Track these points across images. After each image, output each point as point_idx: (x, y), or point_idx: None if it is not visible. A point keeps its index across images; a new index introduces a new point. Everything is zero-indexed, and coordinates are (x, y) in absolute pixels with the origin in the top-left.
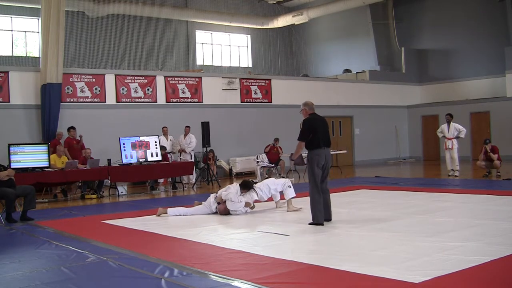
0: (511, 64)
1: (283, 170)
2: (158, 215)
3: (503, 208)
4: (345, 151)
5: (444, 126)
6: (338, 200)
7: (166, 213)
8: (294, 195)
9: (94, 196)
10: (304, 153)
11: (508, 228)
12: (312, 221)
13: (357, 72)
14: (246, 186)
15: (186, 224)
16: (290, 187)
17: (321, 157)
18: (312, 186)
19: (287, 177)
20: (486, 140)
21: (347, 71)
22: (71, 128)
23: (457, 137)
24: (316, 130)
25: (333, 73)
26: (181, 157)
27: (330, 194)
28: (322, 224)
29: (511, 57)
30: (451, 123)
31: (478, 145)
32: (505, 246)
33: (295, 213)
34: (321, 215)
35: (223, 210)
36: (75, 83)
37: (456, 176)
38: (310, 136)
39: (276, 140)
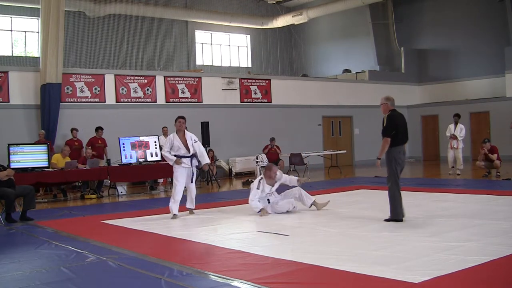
0: (510, 64)
1: (283, 170)
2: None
3: (503, 208)
4: (345, 151)
5: (451, 126)
6: (338, 200)
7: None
8: (312, 198)
9: (93, 196)
10: (305, 154)
11: (508, 228)
12: (390, 218)
13: (356, 72)
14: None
15: (185, 224)
16: (302, 200)
17: (401, 154)
18: (392, 183)
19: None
20: (485, 139)
21: (347, 71)
22: (99, 129)
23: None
24: (398, 126)
25: (332, 73)
26: None
27: (330, 194)
28: (401, 221)
29: (510, 57)
30: (458, 123)
31: (477, 145)
32: (505, 246)
33: (295, 214)
34: (401, 212)
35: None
36: (75, 83)
37: (458, 174)
38: (393, 133)
39: (272, 140)
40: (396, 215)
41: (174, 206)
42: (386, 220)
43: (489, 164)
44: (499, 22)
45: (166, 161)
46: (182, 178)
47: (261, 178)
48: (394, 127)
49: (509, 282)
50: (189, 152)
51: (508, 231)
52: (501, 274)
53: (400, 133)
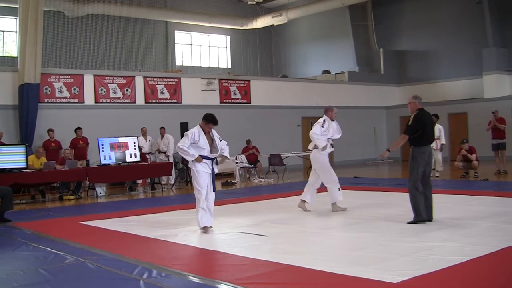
0: (488, 65)
1: (261, 171)
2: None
3: (480, 208)
4: None
5: None
6: (317, 201)
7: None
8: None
9: (72, 197)
10: (284, 155)
11: (485, 228)
12: (413, 220)
13: (336, 73)
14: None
15: (165, 224)
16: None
17: (426, 155)
18: (412, 184)
19: (265, 178)
20: (463, 140)
21: (326, 72)
22: (78, 129)
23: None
24: (426, 126)
25: (312, 74)
26: (160, 158)
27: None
28: (426, 221)
29: (488, 59)
30: (436, 124)
31: (456, 146)
32: (483, 246)
33: (274, 215)
34: (424, 212)
35: None
36: (53, 83)
37: (437, 177)
38: (419, 133)
39: (248, 142)
40: (419, 216)
41: (205, 216)
42: (410, 223)
43: (467, 164)
44: (477, 24)
45: (146, 161)
46: (205, 182)
47: (324, 120)
48: (421, 126)
49: (486, 282)
50: (211, 154)
51: (486, 231)
52: (479, 274)
53: (427, 133)
